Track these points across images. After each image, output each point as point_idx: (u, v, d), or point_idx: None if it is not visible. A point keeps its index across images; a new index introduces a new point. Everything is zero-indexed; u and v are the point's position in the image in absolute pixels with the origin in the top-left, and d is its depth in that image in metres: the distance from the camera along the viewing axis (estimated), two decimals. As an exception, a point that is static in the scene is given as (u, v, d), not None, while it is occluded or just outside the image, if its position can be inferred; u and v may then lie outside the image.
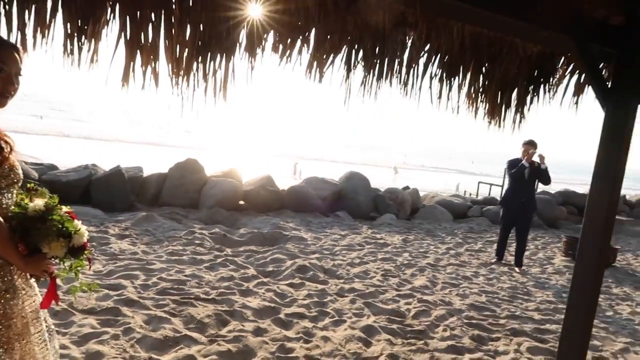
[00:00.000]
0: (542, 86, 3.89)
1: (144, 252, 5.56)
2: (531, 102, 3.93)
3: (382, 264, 6.38)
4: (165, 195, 9.17)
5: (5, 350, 1.78)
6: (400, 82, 3.66)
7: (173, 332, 3.49)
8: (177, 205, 8.87)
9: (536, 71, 3.80)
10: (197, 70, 3.11)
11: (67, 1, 2.71)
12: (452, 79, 3.78)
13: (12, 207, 1.85)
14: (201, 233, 6.66)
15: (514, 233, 7.34)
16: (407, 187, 13.08)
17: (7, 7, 2.64)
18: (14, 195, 1.89)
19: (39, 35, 2.73)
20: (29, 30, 2.72)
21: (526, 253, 7.80)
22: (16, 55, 1.83)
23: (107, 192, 8.48)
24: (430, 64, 3.63)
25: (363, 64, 3.52)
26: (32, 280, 1.96)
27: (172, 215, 7.97)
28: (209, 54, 3.09)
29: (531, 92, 3.89)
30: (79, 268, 1.99)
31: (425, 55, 3.65)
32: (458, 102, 3.87)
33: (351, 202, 10.88)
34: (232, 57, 3.17)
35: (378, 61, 3.55)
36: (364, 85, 3.58)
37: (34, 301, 1.92)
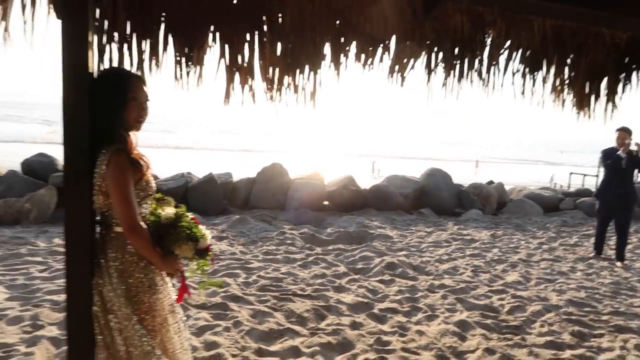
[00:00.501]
0: (634, 73, 3.73)
1: (241, 252, 6.00)
2: (623, 91, 3.77)
3: (471, 260, 6.34)
4: (254, 198, 9.70)
5: (152, 337, 2.11)
6: (481, 80, 3.69)
7: (277, 325, 3.80)
8: (265, 208, 9.36)
9: (627, 58, 3.65)
10: (288, 84, 3.39)
11: (175, 33, 3.07)
12: (535, 73, 3.75)
13: (148, 215, 2.19)
14: (291, 233, 7.02)
15: (613, 226, 6.95)
16: (491, 182, 12.72)
17: (127, 42, 3.04)
18: (149, 206, 2.23)
19: (153, 65, 3.12)
20: (146, 61, 3.11)
21: (629, 246, 7.34)
22: (143, 85, 2.18)
23: (203, 198, 9.15)
24: (512, 60, 3.62)
25: (443, 66, 3.60)
26: (167, 278, 2.29)
27: (262, 217, 8.44)
28: (298, 69, 3.34)
29: (623, 80, 3.74)
30: (204, 267, 2.30)
31: (506, 52, 3.66)
32: (543, 95, 3.82)
33: (434, 199, 10.81)
34: (319, 69, 3.41)
35: (458, 62, 3.61)
36: (445, 86, 3.65)
37: (170, 296, 2.25)
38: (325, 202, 10.06)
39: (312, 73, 3.41)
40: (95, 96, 2.04)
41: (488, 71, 3.74)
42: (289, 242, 6.61)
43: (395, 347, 3.54)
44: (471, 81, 3.77)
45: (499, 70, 3.72)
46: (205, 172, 9.98)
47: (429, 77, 3.64)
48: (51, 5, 2.44)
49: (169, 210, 2.25)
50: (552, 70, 3.68)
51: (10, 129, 45.43)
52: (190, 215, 2.27)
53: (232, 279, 4.90)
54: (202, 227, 2.24)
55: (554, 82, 3.79)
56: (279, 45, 3.26)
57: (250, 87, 3.31)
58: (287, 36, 3.20)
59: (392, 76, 3.63)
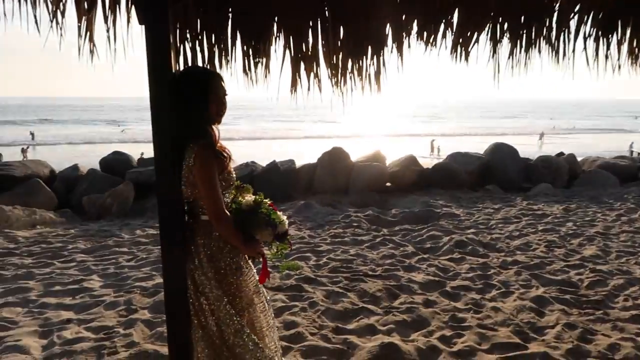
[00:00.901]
0: None
1: (310, 236, 6.16)
2: None
3: (544, 235, 6.15)
4: (317, 183, 9.86)
5: (241, 317, 2.26)
6: (550, 47, 3.55)
7: (351, 305, 3.91)
8: (328, 192, 9.49)
9: None
10: (352, 69, 3.43)
11: (243, 28, 3.19)
12: (610, 36, 3.56)
13: (229, 203, 2.33)
14: (357, 216, 7.11)
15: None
16: (561, 154, 12.16)
17: (199, 40, 3.19)
18: (230, 195, 2.37)
19: (224, 61, 3.26)
20: (216, 57, 3.26)
21: None
22: (221, 81, 2.30)
23: (267, 186, 9.41)
24: (583, 24, 3.45)
25: (509, 36, 3.49)
26: (250, 262, 2.44)
27: (327, 201, 8.58)
28: (361, 52, 3.37)
29: None
30: (283, 250, 2.43)
31: (576, 16, 3.49)
32: (619, 59, 3.63)
33: (500, 175, 10.51)
34: (382, 52, 3.42)
35: (525, 31, 3.49)
36: (512, 58, 3.55)
37: (254, 277, 2.40)
38: (388, 184, 10.06)
39: (375, 56, 3.44)
40: (178, 95, 2.19)
41: (557, 37, 3.59)
42: (355, 224, 6.70)
43: (471, 324, 3.55)
44: (539, 50, 3.64)
45: (569, 37, 3.57)
46: (268, 160, 10.25)
47: (494, 50, 3.55)
48: (132, 14, 2.61)
49: (248, 198, 2.39)
50: (628, 32, 3.48)
51: (83, 130, 48.51)
52: (268, 201, 2.40)
53: (304, 262, 5.06)
54: (280, 214, 2.36)
55: (630, 44, 3.59)
56: (342, 30, 3.30)
57: (316, 74, 3.39)
58: (349, 20, 3.24)
59: (455, 53, 3.57)
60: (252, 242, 2.31)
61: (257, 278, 2.44)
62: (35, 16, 2.62)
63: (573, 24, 3.58)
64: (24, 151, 26.09)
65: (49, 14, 2.78)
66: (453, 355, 3.09)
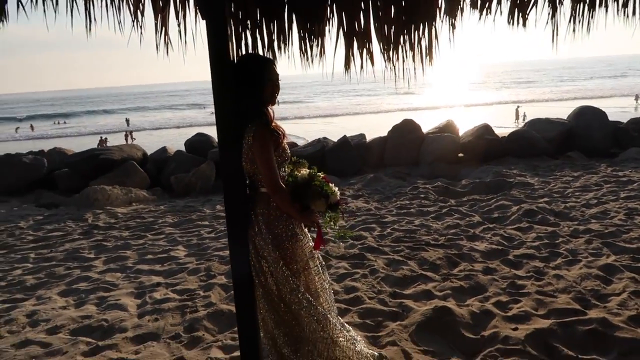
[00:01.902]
0: None
1: (376, 208, 6.33)
2: None
3: (626, 203, 5.83)
4: (388, 156, 9.93)
5: (296, 278, 2.52)
6: (617, 4, 3.38)
7: (410, 272, 4.07)
8: (399, 165, 9.53)
9: None
10: (404, 42, 3.51)
11: (298, 12, 3.38)
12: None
13: (287, 177, 2.58)
14: (425, 187, 7.15)
15: None
16: (657, 114, 11.13)
17: (258, 27, 3.42)
18: (286, 169, 2.62)
19: (282, 44, 3.48)
20: (275, 42, 3.49)
21: None
22: (274, 66, 2.53)
23: (339, 160, 9.66)
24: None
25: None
26: (305, 230, 2.68)
27: (396, 174, 8.66)
28: (413, 26, 3.44)
29: None
30: (335, 219, 2.64)
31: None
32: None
33: (584, 140, 9.91)
34: (433, 24, 3.46)
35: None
36: (574, 18, 3.43)
37: (309, 243, 2.64)
38: (460, 154, 9.88)
39: (427, 29, 3.49)
40: (238, 80, 2.45)
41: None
42: (422, 196, 6.76)
43: (530, 291, 3.57)
44: (605, 8, 3.48)
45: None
46: (339, 135, 10.45)
47: (553, 13, 3.45)
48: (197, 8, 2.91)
49: (304, 172, 2.63)
50: None
51: (169, 114, 51.60)
52: (321, 174, 2.62)
53: (368, 232, 5.27)
54: (332, 185, 2.58)
55: None
56: (392, 5, 3.38)
57: (368, 49, 3.51)
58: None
59: (512, 19, 3.52)
60: (307, 212, 2.55)
61: (312, 244, 2.68)
62: (119, 19, 3.02)
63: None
64: (126, 136, 29.29)
65: (131, 14, 3.17)
66: (506, 320, 3.16)
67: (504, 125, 10.55)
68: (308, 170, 2.63)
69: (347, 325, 3.00)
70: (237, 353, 2.92)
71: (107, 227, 6.41)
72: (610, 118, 10.53)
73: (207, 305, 3.69)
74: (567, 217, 5.44)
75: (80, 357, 3.04)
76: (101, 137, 29.58)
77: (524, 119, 26.56)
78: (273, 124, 2.51)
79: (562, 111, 11.70)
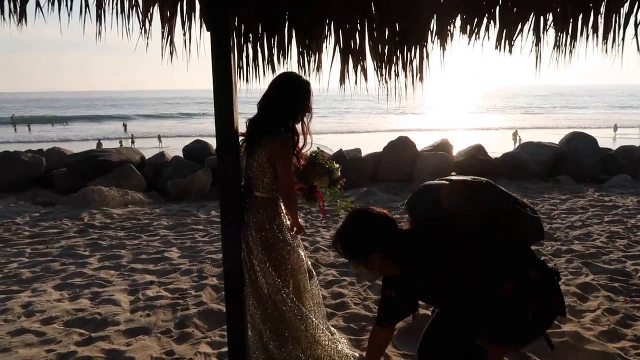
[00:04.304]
0: None
1: (368, 221, 6.49)
2: None
3: (609, 227, 6.02)
4: (382, 172, 10.12)
5: (283, 280, 2.65)
6: (597, 37, 3.58)
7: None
8: (393, 181, 9.72)
9: None
10: (396, 62, 3.71)
11: (298, 28, 3.57)
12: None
13: None
14: (416, 203, 7.32)
15: None
16: (647, 143, 11.42)
17: (260, 40, 3.61)
18: None
19: (281, 57, 3.67)
20: (275, 55, 3.67)
21: None
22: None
23: (334, 173, 9.83)
24: (633, 14, 3.45)
25: (554, 26, 3.58)
26: (296, 236, 2.81)
27: (390, 189, 8.84)
28: (406, 46, 3.64)
29: None
30: (336, 194, 2.85)
31: (628, 2, 3.50)
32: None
33: (574, 165, 10.14)
34: (425, 45, 3.66)
35: (571, 21, 3.56)
36: (558, 47, 3.63)
37: (299, 248, 2.77)
38: (453, 173, 10.03)
39: (419, 50, 3.69)
40: (285, 94, 2.58)
41: (607, 25, 3.61)
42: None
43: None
44: (586, 40, 3.69)
45: (618, 26, 3.59)
46: (335, 150, 10.65)
47: (537, 41, 3.64)
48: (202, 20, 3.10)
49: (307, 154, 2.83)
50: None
51: (169, 121, 51.80)
52: (323, 154, 2.85)
53: (359, 243, 5.41)
54: (333, 162, 2.80)
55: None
56: (387, 29, 3.58)
57: (363, 66, 3.71)
58: (394, 20, 3.51)
59: (500, 45, 3.72)
60: (312, 196, 2.82)
61: (302, 252, 2.82)
62: (127, 26, 3.19)
63: (624, 11, 3.60)
64: (132, 141, 31.06)
65: (140, 22, 3.34)
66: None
67: (502, 149, 10.78)
68: (310, 151, 2.82)
69: (332, 327, 3.14)
70: (225, 349, 3.04)
71: (102, 226, 6.53)
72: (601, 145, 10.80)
73: (198, 304, 3.82)
74: (551, 237, 5.61)
75: (74, 346, 3.16)
76: (99, 141, 29.85)
77: (520, 142, 26.95)
78: (301, 148, 2.68)
79: (556, 138, 11.94)
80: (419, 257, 1.86)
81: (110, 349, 3.12)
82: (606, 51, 3.67)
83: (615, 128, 36.16)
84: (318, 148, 2.89)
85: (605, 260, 4.75)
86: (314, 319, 2.69)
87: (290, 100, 2.59)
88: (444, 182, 1.94)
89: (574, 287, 4.05)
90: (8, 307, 3.82)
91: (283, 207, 2.73)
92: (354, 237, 1.94)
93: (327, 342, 2.71)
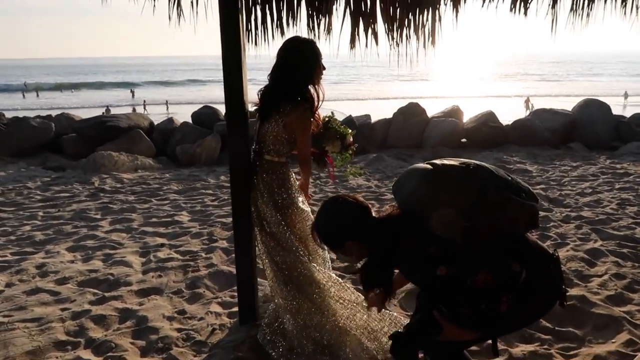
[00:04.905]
0: None
1: (376, 186, 6.49)
2: None
3: (619, 194, 5.97)
4: (391, 138, 10.04)
5: (296, 239, 2.68)
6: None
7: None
8: (402, 147, 9.66)
9: None
10: (408, 25, 3.61)
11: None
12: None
13: None
14: (425, 170, 7.29)
15: None
16: (662, 110, 11.19)
17: (268, 2, 3.52)
18: None
19: (290, 20, 3.58)
20: (284, 18, 3.59)
21: None
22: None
23: (343, 140, 9.77)
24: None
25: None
26: (306, 202, 2.82)
27: (399, 155, 8.79)
28: (417, 9, 3.54)
29: None
30: (347, 158, 2.85)
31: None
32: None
33: (586, 132, 9.98)
34: (437, 7, 3.56)
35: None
36: (574, 10, 3.51)
37: (308, 214, 2.79)
38: (463, 140, 9.99)
39: (431, 12, 3.58)
40: (286, 61, 2.53)
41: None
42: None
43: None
44: (605, 0, 3.57)
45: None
46: (345, 115, 10.55)
47: (554, 3, 3.53)
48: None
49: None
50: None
51: (175, 90, 51.53)
52: (337, 119, 2.83)
53: (367, 208, 5.43)
54: (346, 127, 2.80)
55: None
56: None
57: (374, 29, 3.62)
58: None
59: (514, 7, 3.60)
60: (322, 160, 2.83)
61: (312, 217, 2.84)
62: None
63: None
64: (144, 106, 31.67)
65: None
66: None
67: (513, 117, 10.60)
68: (323, 116, 2.80)
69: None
70: (235, 309, 3.10)
71: (113, 191, 6.60)
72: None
73: (208, 265, 3.88)
74: (561, 203, 5.59)
75: (88, 305, 3.24)
76: (107, 107, 29.79)
77: (532, 110, 26.52)
78: (317, 108, 2.62)
79: (568, 105, 11.71)
80: (392, 247, 1.79)
81: (123, 307, 3.20)
82: (624, 13, 3.56)
83: (626, 95, 35.48)
84: (332, 112, 2.87)
85: (615, 227, 4.74)
86: (325, 276, 2.73)
87: (300, 67, 2.54)
88: (429, 166, 1.80)
89: (582, 253, 4.06)
90: (22, 268, 3.91)
91: (292, 172, 2.74)
92: (327, 228, 1.91)
93: (336, 293, 2.76)
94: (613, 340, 2.74)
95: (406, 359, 1.65)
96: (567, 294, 3.25)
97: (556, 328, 2.89)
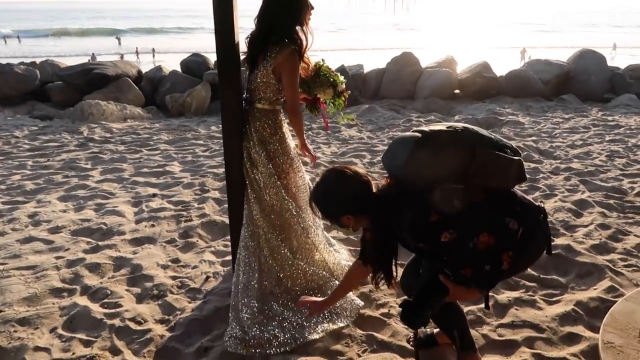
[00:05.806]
0: None
1: (369, 137, 6.47)
2: None
3: (609, 145, 6.01)
4: (384, 88, 9.93)
5: (287, 191, 2.69)
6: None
7: (396, 197, 4.28)
8: (394, 98, 9.58)
9: None
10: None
11: None
12: None
13: None
14: (418, 120, 7.26)
15: None
16: (657, 62, 11.11)
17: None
18: None
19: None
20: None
21: None
22: None
23: (335, 90, 9.64)
24: None
25: None
26: (297, 151, 2.80)
27: (391, 106, 8.72)
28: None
29: None
30: (339, 105, 2.83)
31: None
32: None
33: (580, 84, 9.94)
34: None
35: None
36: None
37: (300, 165, 2.78)
38: (457, 91, 9.91)
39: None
40: (281, 2, 2.42)
41: None
42: (415, 128, 6.88)
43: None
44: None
45: None
46: (337, 65, 10.36)
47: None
48: None
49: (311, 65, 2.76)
50: None
51: (164, 36, 49.96)
52: (328, 66, 2.78)
53: (358, 159, 5.44)
54: (338, 74, 2.74)
55: None
56: None
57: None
58: None
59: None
60: (315, 107, 2.82)
61: (303, 169, 2.84)
62: None
63: None
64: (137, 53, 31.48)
65: None
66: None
67: (508, 67, 10.42)
68: (314, 62, 2.75)
69: (331, 239, 3.23)
70: (228, 257, 3.15)
71: (102, 140, 6.52)
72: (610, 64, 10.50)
73: (201, 215, 3.90)
74: (550, 155, 5.63)
75: (82, 254, 3.27)
76: (93, 54, 28.93)
77: (529, 60, 26.16)
78: (306, 49, 2.54)
79: (565, 57, 11.54)
80: (392, 220, 1.79)
81: (118, 256, 3.23)
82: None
83: (614, 47, 35.16)
84: (322, 59, 2.79)
85: (602, 178, 4.80)
86: (315, 228, 2.77)
87: (287, 6, 2.45)
88: (418, 134, 1.77)
89: (569, 204, 4.12)
90: (15, 217, 3.91)
91: (284, 120, 2.70)
92: (327, 203, 1.90)
93: (324, 248, 2.82)
94: (595, 287, 2.83)
95: (417, 325, 1.70)
96: (553, 243, 3.34)
97: (541, 276, 2.97)
